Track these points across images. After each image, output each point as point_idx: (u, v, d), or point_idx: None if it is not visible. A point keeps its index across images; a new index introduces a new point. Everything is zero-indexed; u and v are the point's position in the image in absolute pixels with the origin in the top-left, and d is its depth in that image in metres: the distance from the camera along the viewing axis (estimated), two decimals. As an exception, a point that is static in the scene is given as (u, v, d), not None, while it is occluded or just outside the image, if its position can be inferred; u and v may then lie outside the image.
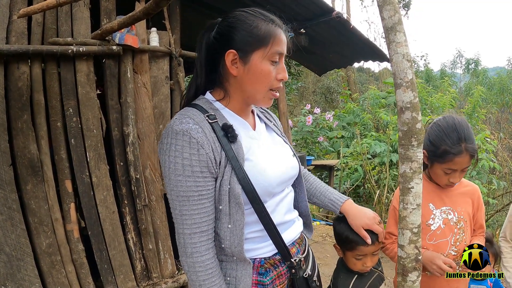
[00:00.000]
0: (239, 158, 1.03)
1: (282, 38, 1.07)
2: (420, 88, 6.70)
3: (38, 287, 2.18)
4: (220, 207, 1.04)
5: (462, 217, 1.58)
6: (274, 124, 1.31)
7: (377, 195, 4.70)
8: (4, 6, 2.13)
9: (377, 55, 4.17)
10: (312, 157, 6.57)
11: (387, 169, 4.88)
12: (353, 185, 5.65)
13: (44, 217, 2.25)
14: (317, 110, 7.85)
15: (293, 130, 7.51)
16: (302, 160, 5.21)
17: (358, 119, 7.13)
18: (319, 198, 1.39)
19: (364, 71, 24.92)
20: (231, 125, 1.06)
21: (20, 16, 1.82)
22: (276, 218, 1.11)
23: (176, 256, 2.62)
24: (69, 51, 2.27)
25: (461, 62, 20.75)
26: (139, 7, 2.41)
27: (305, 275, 1.17)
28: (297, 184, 1.29)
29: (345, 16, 3.50)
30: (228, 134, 1.04)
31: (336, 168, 6.15)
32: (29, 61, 2.23)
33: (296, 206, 1.31)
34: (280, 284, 1.13)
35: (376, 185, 5.05)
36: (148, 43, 2.66)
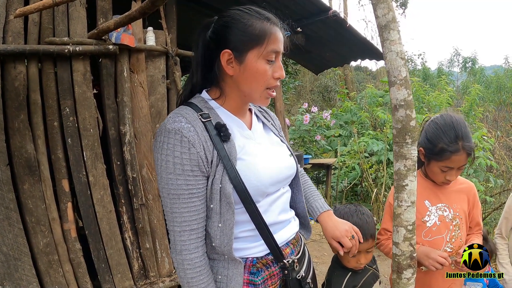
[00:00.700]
0: (231, 158, 1.02)
1: (278, 36, 1.06)
2: (417, 86, 6.71)
3: (35, 287, 2.18)
4: (211, 205, 1.04)
5: (457, 214, 1.59)
6: (272, 123, 1.30)
7: (374, 193, 4.70)
8: (1, 6, 2.12)
9: (374, 54, 4.19)
10: (310, 156, 6.58)
11: (385, 168, 4.89)
12: (350, 183, 5.65)
13: (41, 217, 2.25)
14: (315, 109, 7.85)
15: (290, 129, 7.51)
16: (300, 159, 5.22)
17: (356, 117, 7.12)
18: None
19: (361, 70, 24.94)
20: (224, 124, 1.05)
21: (17, 16, 1.82)
22: (269, 218, 1.10)
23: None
24: (66, 50, 2.26)
25: (458, 60, 20.77)
26: (135, 6, 2.41)
27: (298, 276, 1.15)
28: (294, 184, 1.28)
29: (342, 14, 3.52)
30: (221, 133, 1.03)
31: (333, 166, 6.15)
32: (25, 60, 2.22)
33: (293, 206, 1.30)
34: (272, 285, 1.12)
35: (373, 183, 5.05)
36: (145, 42, 2.66)
